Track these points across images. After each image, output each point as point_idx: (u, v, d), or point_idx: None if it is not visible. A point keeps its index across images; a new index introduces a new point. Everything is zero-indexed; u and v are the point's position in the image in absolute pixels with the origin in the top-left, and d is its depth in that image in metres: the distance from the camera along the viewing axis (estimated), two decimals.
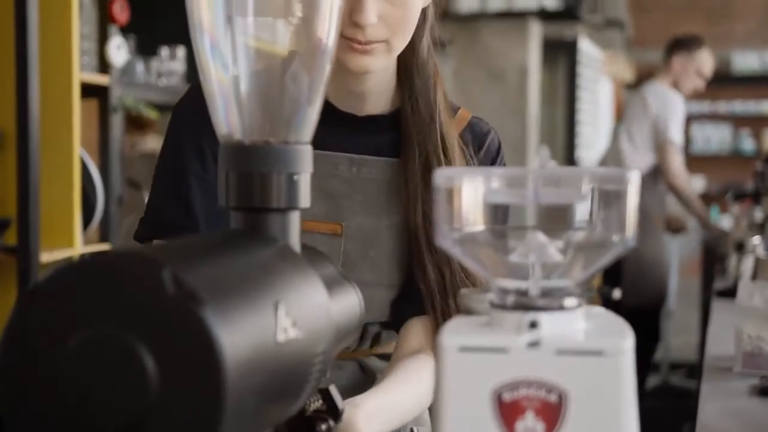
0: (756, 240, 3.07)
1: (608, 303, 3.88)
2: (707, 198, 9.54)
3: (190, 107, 1.26)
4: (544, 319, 0.67)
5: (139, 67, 2.98)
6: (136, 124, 3.98)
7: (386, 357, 1.33)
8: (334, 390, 0.84)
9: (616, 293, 4.12)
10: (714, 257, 4.63)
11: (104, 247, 2.76)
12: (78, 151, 2.54)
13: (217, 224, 1.23)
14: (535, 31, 5.74)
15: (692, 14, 9.68)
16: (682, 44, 4.44)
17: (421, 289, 1.24)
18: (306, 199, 0.80)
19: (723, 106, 9.56)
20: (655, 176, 4.37)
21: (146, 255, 0.60)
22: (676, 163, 4.29)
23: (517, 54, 5.56)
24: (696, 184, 9.65)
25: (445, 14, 5.91)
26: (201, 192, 1.24)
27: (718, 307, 2.93)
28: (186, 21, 0.79)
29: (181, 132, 1.26)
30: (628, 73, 9.10)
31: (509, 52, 5.55)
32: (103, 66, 2.72)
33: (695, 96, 9.60)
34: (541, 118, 6.33)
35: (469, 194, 0.69)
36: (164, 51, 3.10)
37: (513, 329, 0.67)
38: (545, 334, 0.65)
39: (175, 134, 1.28)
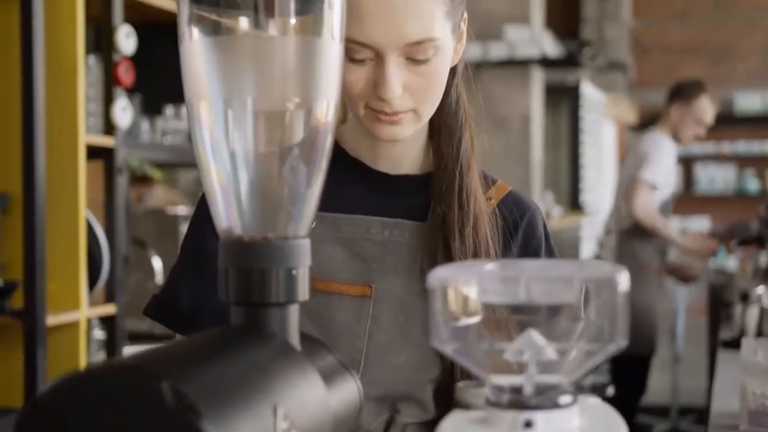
0: (760, 290, 3.06)
1: None
2: (714, 238, 9.53)
3: None
4: (539, 418, 0.68)
5: (144, 126, 3.02)
6: (142, 177, 4.01)
7: None
8: None
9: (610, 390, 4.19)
10: (720, 302, 4.62)
11: (110, 308, 2.77)
12: (84, 213, 2.56)
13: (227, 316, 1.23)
14: (537, 78, 5.78)
15: (694, 56, 9.74)
16: (681, 92, 4.44)
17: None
18: (304, 291, 0.82)
19: (727, 147, 9.60)
20: (640, 227, 4.35)
21: (145, 367, 0.61)
22: (641, 197, 4.21)
23: (519, 101, 5.60)
24: (701, 225, 9.65)
25: None
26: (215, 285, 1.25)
27: (723, 357, 2.92)
28: None
29: (203, 222, 1.26)
30: (631, 116, 9.14)
31: (512, 99, 5.59)
32: (109, 128, 2.75)
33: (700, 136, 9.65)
34: (545, 163, 6.36)
35: (462, 294, 0.71)
36: (169, 110, 3.13)
37: (508, 428, 0.68)
38: None
39: (197, 223, 1.29)
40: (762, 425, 1.86)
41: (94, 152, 2.70)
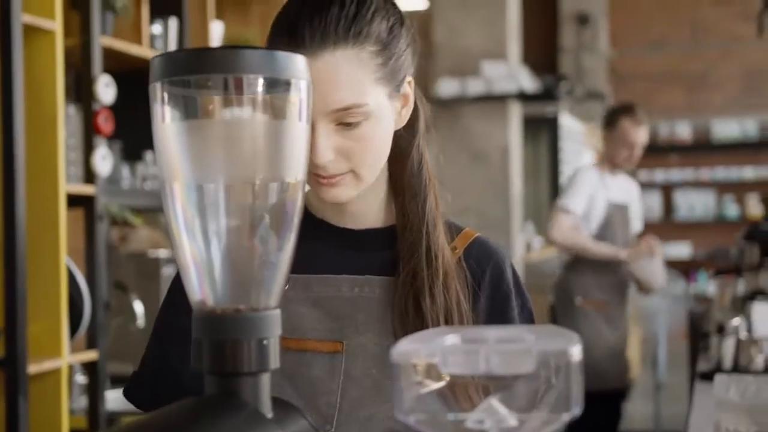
0: (736, 321, 3.10)
1: None
2: (694, 264, 9.64)
3: None
4: None
5: (125, 172, 3.05)
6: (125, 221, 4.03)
7: None
8: None
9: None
10: (699, 329, 4.65)
11: (92, 354, 2.79)
12: (65, 261, 2.59)
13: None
14: (515, 112, 5.85)
15: (671, 84, 9.86)
16: (606, 119, 4.37)
17: None
18: (276, 359, 0.85)
19: (706, 173, 9.69)
20: (578, 259, 4.26)
21: None
22: (556, 222, 4.14)
23: (498, 134, 5.66)
24: (681, 251, 9.73)
25: (427, 98, 6.02)
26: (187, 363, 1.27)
27: (700, 389, 2.95)
28: None
29: (175, 299, 1.28)
30: None
31: (490, 133, 5.65)
32: (89, 176, 2.78)
33: (678, 163, 9.73)
34: (525, 194, 6.41)
35: (424, 367, 0.74)
36: (149, 155, 3.17)
37: None
38: None
39: (170, 300, 1.32)
40: None
41: (74, 200, 2.72)
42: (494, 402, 0.75)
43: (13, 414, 2.43)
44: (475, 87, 5.48)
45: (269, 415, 0.83)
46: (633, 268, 4.16)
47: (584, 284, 4.26)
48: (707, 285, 8.77)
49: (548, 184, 7.22)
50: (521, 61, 6.18)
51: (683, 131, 9.74)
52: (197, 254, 0.85)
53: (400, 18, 1.22)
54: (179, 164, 0.84)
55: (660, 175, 9.79)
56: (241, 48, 0.83)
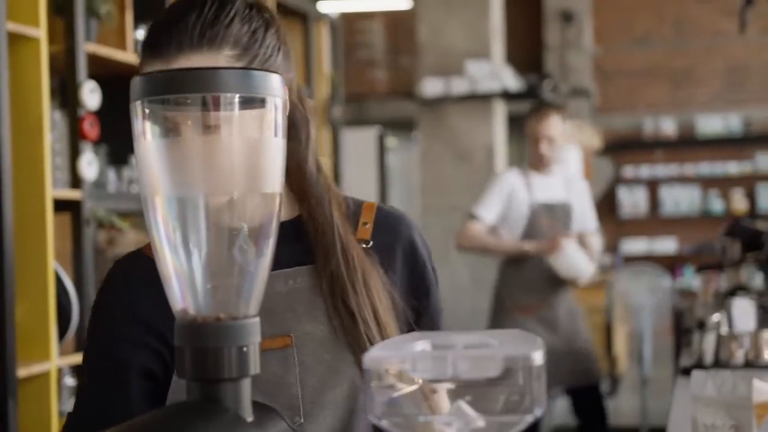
0: (716, 317, 3.14)
1: None
2: (680, 258, 9.72)
3: (120, 289, 1.29)
4: None
5: (111, 176, 3.07)
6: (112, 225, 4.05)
7: None
8: None
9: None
10: (682, 325, 4.70)
11: (80, 357, 2.81)
12: (52, 265, 2.62)
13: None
14: (499, 111, 5.90)
15: (655, 80, 9.92)
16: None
17: None
18: (256, 365, 0.88)
19: (690, 169, 9.76)
20: (506, 263, 4.23)
21: None
22: (464, 230, 4.14)
23: (482, 133, 5.71)
24: (667, 246, 9.80)
25: (411, 97, 6.08)
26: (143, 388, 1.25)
27: (681, 384, 2.99)
28: None
29: (111, 317, 1.28)
30: (596, 141, 9.29)
31: (474, 132, 5.69)
32: (75, 181, 2.81)
33: (663, 159, 9.77)
34: None
35: (395, 373, 0.78)
36: (134, 159, 3.20)
37: None
38: None
39: (103, 325, 1.29)
40: None
41: (61, 205, 2.75)
42: (462, 404, 0.79)
43: (2, 417, 2.46)
44: (459, 86, 5.52)
45: (249, 419, 0.87)
46: (552, 264, 4.09)
47: (512, 287, 4.19)
48: (692, 280, 8.84)
49: None
50: (505, 60, 6.22)
51: (668, 127, 9.80)
52: (178, 265, 0.88)
53: (265, 22, 1.22)
54: (160, 179, 0.88)
55: (645, 170, 9.85)
56: (217, 69, 0.87)
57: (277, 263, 1.31)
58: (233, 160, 0.88)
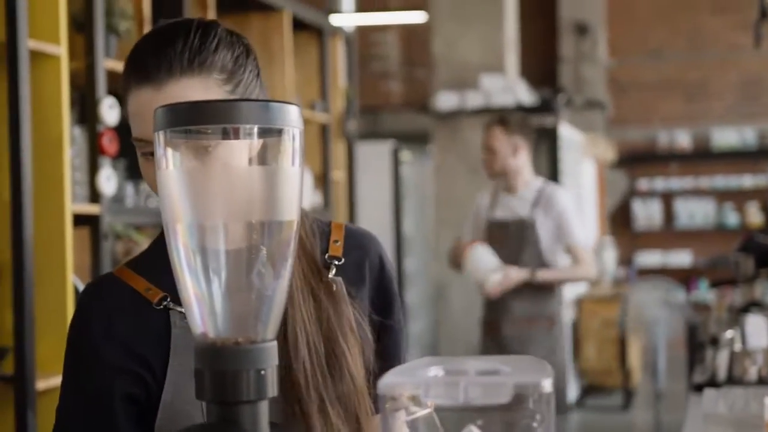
0: (729, 334, 3.14)
1: None
2: (694, 272, 9.70)
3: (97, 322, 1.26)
4: None
5: (129, 190, 3.11)
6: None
7: None
8: None
9: None
10: (696, 338, 4.69)
11: None
12: (71, 279, 2.65)
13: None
14: None
15: (670, 93, 9.92)
16: None
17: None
18: (273, 388, 0.91)
19: (705, 182, 9.75)
20: None
21: None
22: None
23: None
24: (682, 259, 9.79)
25: (425, 110, 6.11)
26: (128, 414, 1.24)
27: (694, 401, 3.00)
28: None
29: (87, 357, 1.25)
30: (610, 153, 9.29)
31: None
32: (94, 195, 2.84)
33: (678, 172, 9.76)
34: None
35: (408, 398, 0.81)
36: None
37: None
38: None
39: (79, 357, 1.26)
40: None
41: (80, 219, 2.79)
42: (474, 429, 0.81)
43: (22, 429, 2.49)
44: (473, 100, 5.54)
45: None
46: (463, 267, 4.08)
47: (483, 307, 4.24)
48: (707, 293, 8.82)
49: None
50: (519, 74, 6.24)
51: (683, 140, 9.80)
52: (198, 290, 0.91)
53: (245, 49, 1.25)
54: (181, 206, 0.91)
55: (660, 183, 9.85)
56: (238, 101, 0.90)
57: None
58: (252, 188, 0.91)
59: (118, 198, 3.01)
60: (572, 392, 6.85)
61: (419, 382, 0.80)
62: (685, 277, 9.42)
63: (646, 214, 9.90)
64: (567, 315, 4.25)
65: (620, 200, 9.91)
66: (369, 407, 1.26)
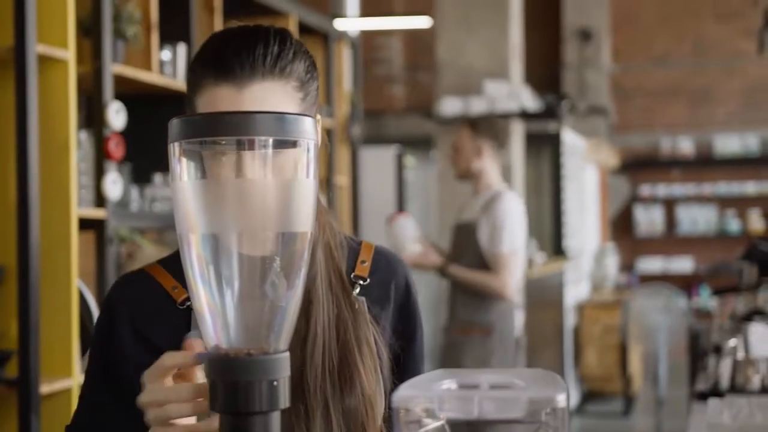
0: (732, 342, 3.14)
1: None
2: (696, 278, 9.69)
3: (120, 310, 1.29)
4: None
5: (134, 194, 3.12)
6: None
7: None
8: None
9: None
10: (698, 346, 4.69)
11: None
12: (76, 283, 2.65)
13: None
14: (518, 130, 5.92)
15: (674, 99, 9.92)
16: None
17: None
18: (286, 399, 0.91)
19: (708, 188, 9.75)
20: None
21: None
22: None
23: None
24: (683, 265, 9.79)
25: (429, 115, 6.10)
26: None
27: (697, 410, 2.99)
28: None
29: (110, 337, 1.29)
30: (612, 159, 9.30)
31: None
32: (100, 200, 2.85)
33: (680, 178, 9.75)
34: (528, 211, 6.46)
35: (422, 411, 0.81)
36: (158, 178, 3.24)
37: None
38: None
39: (102, 345, 1.30)
40: None
41: (85, 223, 2.79)
42: None
43: None
44: (477, 106, 5.54)
45: None
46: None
47: None
48: (709, 300, 8.82)
49: (550, 201, 7.27)
50: (524, 80, 6.24)
51: (685, 146, 9.80)
52: (211, 301, 0.91)
53: (313, 62, 1.27)
54: (195, 217, 0.91)
55: (662, 189, 9.84)
56: (252, 113, 0.90)
57: None
58: (266, 200, 0.91)
59: (123, 202, 3.02)
60: (573, 398, 6.85)
61: (433, 396, 0.80)
62: (687, 284, 9.42)
63: (648, 220, 9.89)
64: (517, 326, 4.08)
65: (622, 206, 9.92)
66: (379, 425, 1.26)
